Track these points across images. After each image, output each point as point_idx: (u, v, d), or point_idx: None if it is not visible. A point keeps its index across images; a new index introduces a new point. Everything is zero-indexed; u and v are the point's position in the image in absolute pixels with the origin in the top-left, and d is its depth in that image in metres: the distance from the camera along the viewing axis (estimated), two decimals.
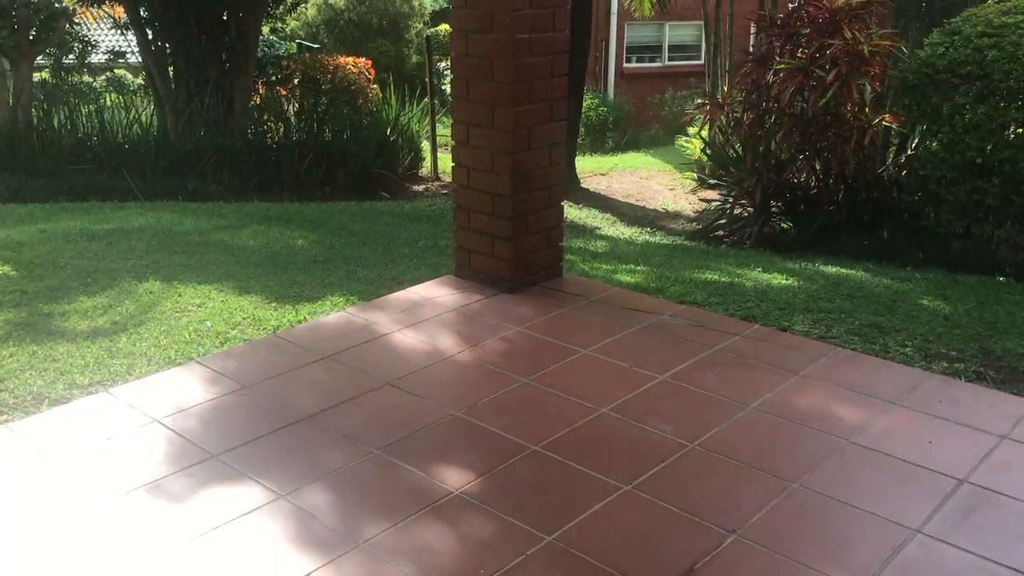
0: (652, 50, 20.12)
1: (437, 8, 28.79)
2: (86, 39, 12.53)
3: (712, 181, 8.84)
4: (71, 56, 12.50)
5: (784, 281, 5.73)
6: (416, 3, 24.14)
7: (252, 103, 12.19)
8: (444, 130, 14.93)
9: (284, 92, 13.79)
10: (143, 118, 10.48)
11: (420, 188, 12.15)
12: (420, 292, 4.37)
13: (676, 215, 9.76)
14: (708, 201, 8.87)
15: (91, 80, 14.74)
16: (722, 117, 8.12)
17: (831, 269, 6.46)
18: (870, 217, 7.87)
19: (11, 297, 5.06)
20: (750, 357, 3.61)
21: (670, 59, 20.21)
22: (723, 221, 8.32)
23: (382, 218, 8.11)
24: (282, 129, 11.52)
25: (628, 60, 20.03)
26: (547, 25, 4.06)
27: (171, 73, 11.26)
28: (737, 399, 3.25)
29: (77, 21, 11.23)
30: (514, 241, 4.21)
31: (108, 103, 16.91)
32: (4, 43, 8.08)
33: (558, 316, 4.02)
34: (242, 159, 9.89)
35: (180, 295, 5.15)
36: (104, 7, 11.07)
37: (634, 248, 7.35)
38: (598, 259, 6.56)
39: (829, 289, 5.54)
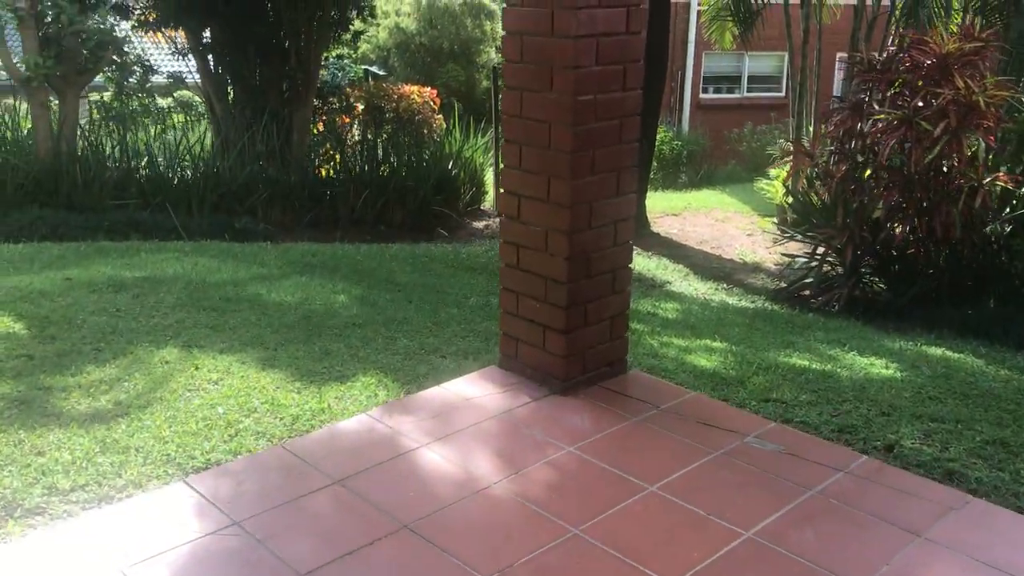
0: (730, 80, 19.32)
1: None
2: (147, 63, 12.28)
3: (796, 234, 8.07)
4: (132, 79, 12.25)
5: (884, 371, 4.96)
6: (488, 28, 23.74)
7: (314, 131, 11.81)
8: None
9: (347, 120, 13.41)
10: (198, 148, 10.12)
11: (480, 225, 11.59)
12: (458, 389, 3.74)
13: (755, 268, 8.99)
14: (792, 256, 8.09)
15: (155, 101, 14.55)
16: (810, 169, 7.36)
17: (936, 351, 5.65)
18: (973, 283, 7.03)
19: (15, 364, 4.58)
20: (857, 506, 2.89)
21: (749, 90, 19.37)
22: (809, 280, 7.54)
23: (433, 267, 7.52)
24: (338, 159, 11.10)
25: (705, 90, 19.26)
26: (616, 84, 3.41)
27: (230, 101, 10.91)
28: (846, 574, 2.54)
29: (133, 45, 10.98)
30: (570, 334, 3.56)
31: (174, 123, 16.79)
32: (50, 73, 7.73)
33: (620, 432, 3.35)
34: (295, 195, 9.43)
35: (197, 367, 4.61)
36: (165, 31, 10.78)
37: (709, 314, 6.62)
38: (668, 330, 5.86)
39: (938, 383, 4.75)
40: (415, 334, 5.34)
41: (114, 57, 8.29)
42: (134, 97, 12.62)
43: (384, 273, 7.04)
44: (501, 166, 3.76)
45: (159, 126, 14.90)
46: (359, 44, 17.26)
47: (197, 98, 15.09)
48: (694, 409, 3.57)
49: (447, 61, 23.29)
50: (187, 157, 9.89)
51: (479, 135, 13.17)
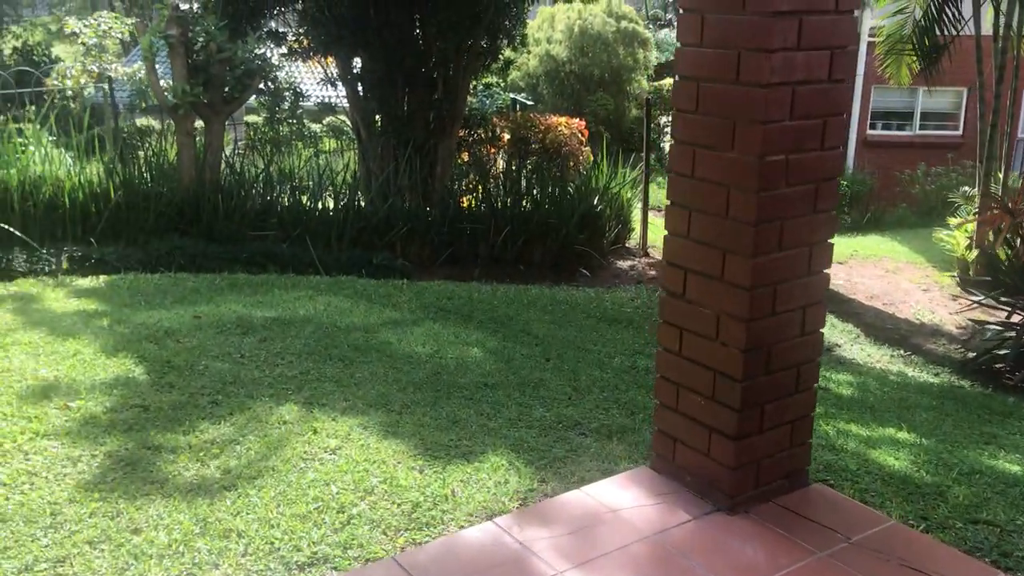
0: (901, 117, 17.99)
1: (663, 60, 27.73)
2: (298, 89, 12.32)
3: (987, 296, 7.11)
4: (284, 105, 12.32)
5: None
6: (641, 56, 23.17)
7: (458, 161, 11.53)
8: (659, 191, 13.77)
9: (492, 150, 13.10)
10: (343, 176, 9.97)
11: (625, 265, 10.98)
12: (603, 496, 3.16)
13: (935, 331, 8.02)
14: (980, 323, 7.13)
15: (306, 126, 14.68)
16: (1008, 225, 6.43)
17: None
18: None
19: (129, 415, 4.31)
20: None
21: (922, 128, 17.99)
22: (1004, 352, 6.59)
23: (575, 317, 6.98)
24: (480, 192, 10.75)
25: (872, 127, 18.01)
26: (813, 142, 2.79)
27: (376, 130, 10.74)
28: None
29: (286, 70, 10.98)
30: (741, 440, 2.94)
31: (326, 147, 16.96)
32: (197, 100, 7.66)
33: (802, 572, 2.70)
34: (434, 230, 9.10)
35: (316, 430, 4.22)
36: (316, 59, 10.72)
37: (889, 391, 5.80)
38: (844, 412, 5.11)
39: None
40: (552, 402, 4.81)
41: (261, 86, 8.17)
42: (285, 123, 12.70)
43: (521, 323, 6.55)
44: (667, 202, 3.17)
45: (310, 150, 15.05)
46: (508, 72, 17.00)
47: (348, 123, 15.18)
48: (893, 544, 2.87)
49: (597, 89, 22.87)
50: (331, 186, 9.74)
51: (627, 168, 12.61)
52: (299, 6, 9.85)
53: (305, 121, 16.01)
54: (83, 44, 20.06)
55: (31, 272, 6.88)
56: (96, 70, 18.09)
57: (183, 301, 6.31)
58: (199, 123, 8.24)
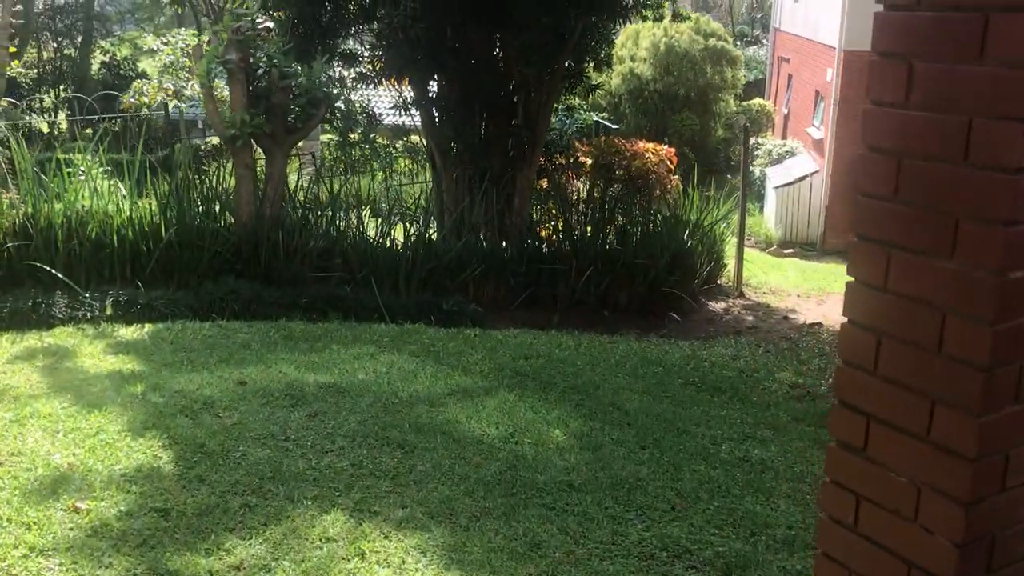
0: None
1: (751, 79, 26.57)
2: (372, 113, 11.70)
3: None
4: (357, 130, 11.72)
5: None
6: (729, 75, 22.15)
7: (537, 188, 10.75)
8: (750, 220, 12.70)
9: (572, 177, 12.29)
10: (414, 209, 9.28)
11: (719, 307, 10.04)
12: None
13: None
14: None
15: (381, 145, 14.08)
16: None
17: None
18: None
19: (145, 522, 3.61)
20: None
21: None
22: None
23: (669, 384, 6.09)
24: (560, 224, 9.96)
25: None
26: None
27: (452, 157, 10.04)
28: None
29: (358, 91, 10.37)
30: None
31: (400, 168, 16.36)
32: (257, 131, 7.02)
33: None
34: (510, 270, 8.32)
35: (364, 553, 3.46)
36: (390, 83, 10.08)
37: None
38: None
39: None
40: (652, 513, 3.95)
41: (327, 115, 7.50)
42: (358, 147, 12.11)
43: (609, 393, 5.70)
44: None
45: (384, 172, 14.44)
46: (593, 95, 16.18)
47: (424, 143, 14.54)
48: None
49: (681, 109, 21.93)
50: (399, 219, 9.06)
51: (719, 197, 11.69)
52: (374, 26, 9.21)
53: (379, 139, 15.44)
54: (161, 62, 19.96)
55: (71, 319, 6.30)
56: (172, 88, 17.86)
57: (230, 360, 5.63)
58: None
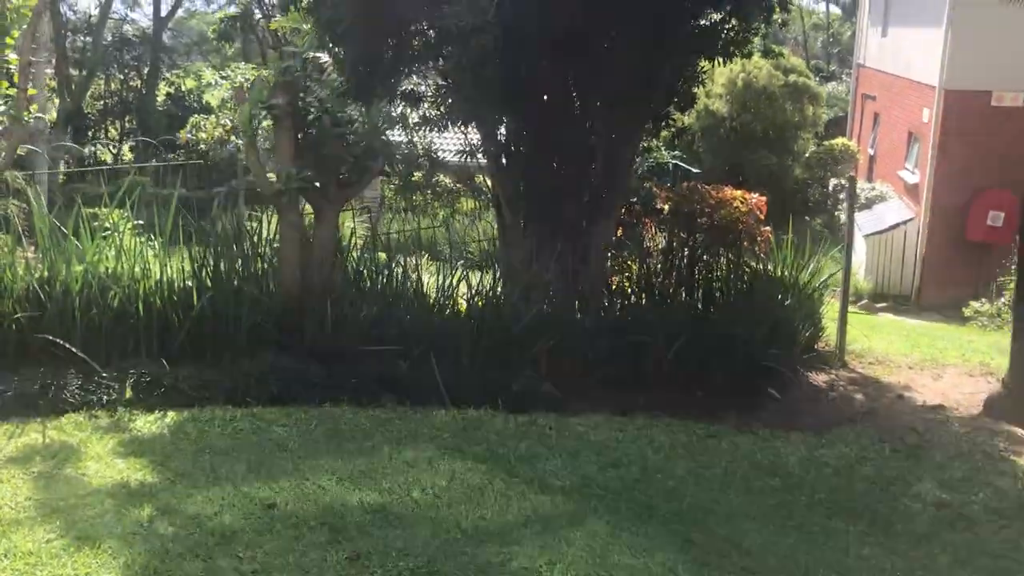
0: None
1: (830, 117, 25.29)
2: (435, 156, 10.80)
3: None
4: (419, 173, 10.83)
5: None
6: (810, 112, 20.95)
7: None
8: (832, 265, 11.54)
9: (650, 224, 11.22)
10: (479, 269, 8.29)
11: (821, 380, 8.82)
12: None
13: None
14: None
15: (443, 184, 13.19)
16: None
17: None
18: None
19: None
20: None
21: None
22: None
23: (793, 504, 4.97)
24: (637, 276, 8.93)
25: None
26: None
27: (521, 208, 9.07)
28: None
29: (416, 134, 9.49)
30: None
31: (464, 208, 15.44)
32: (305, 185, 6.13)
33: None
34: (588, 341, 7.29)
35: None
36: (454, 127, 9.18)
37: None
38: None
39: None
40: None
41: (385, 168, 6.58)
42: (419, 192, 11.22)
43: (721, 521, 4.60)
44: None
45: (448, 210, 13.53)
46: (679, 140, 15.16)
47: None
48: None
49: (758, 147, 20.77)
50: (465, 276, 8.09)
51: (805, 246, 10.51)
52: (440, 64, 8.32)
53: (443, 178, 14.51)
54: (219, 97, 19.45)
55: (84, 404, 5.43)
56: (231, 124, 17.23)
57: (260, 468, 4.68)
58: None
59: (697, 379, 7.74)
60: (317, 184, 6.29)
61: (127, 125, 38.06)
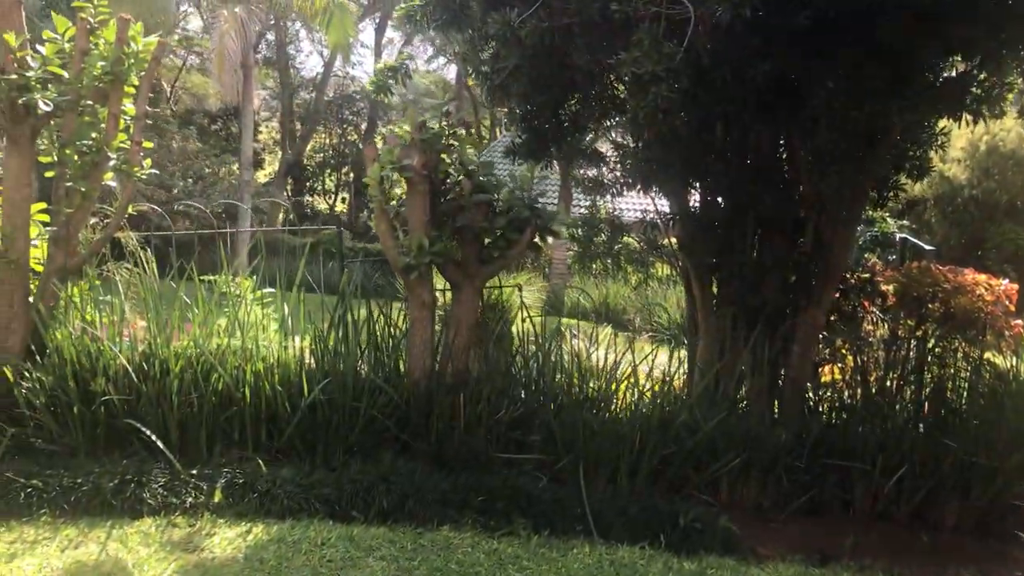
0: None
1: None
2: (617, 220, 9.64)
3: None
4: (599, 239, 9.70)
5: None
6: None
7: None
8: None
9: (868, 306, 9.52)
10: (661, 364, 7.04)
11: None
12: None
13: None
14: None
15: (625, 244, 11.94)
16: None
17: None
18: None
19: None
20: None
21: None
22: None
23: None
24: (855, 380, 7.34)
25: None
26: None
27: (712, 289, 7.77)
28: None
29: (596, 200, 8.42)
30: None
31: (656, 273, 14.10)
32: (440, 260, 5.18)
33: None
34: (782, 461, 5.87)
35: None
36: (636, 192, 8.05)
37: None
38: None
39: None
40: None
41: (536, 241, 5.51)
42: (599, 261, 10.06)
43: None
44: None
45: (638, 275, 12.27)
46: (909, 212, 13.32)
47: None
48: None
49: (1003, 219, 18.26)
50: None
51: None
52: (617, 118, 7.28)
53: (629, 239, 13.19)
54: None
55: (164, 507, 4.65)
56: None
57: None
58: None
59: (922, 514, 6.12)
60: (455, 258, 5.32)
61: (343, 177, 39.62)
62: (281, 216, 31.94)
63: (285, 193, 34.16)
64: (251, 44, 22.10)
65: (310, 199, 39.15)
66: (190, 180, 22.19)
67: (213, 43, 20.16)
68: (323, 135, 40.35)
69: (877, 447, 6.18)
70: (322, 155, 39.95)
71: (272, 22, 30.39)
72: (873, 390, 7.02)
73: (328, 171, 39.82)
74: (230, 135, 32.07)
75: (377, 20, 34.93)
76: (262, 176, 36.90)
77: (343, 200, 39.68)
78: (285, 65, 35.22)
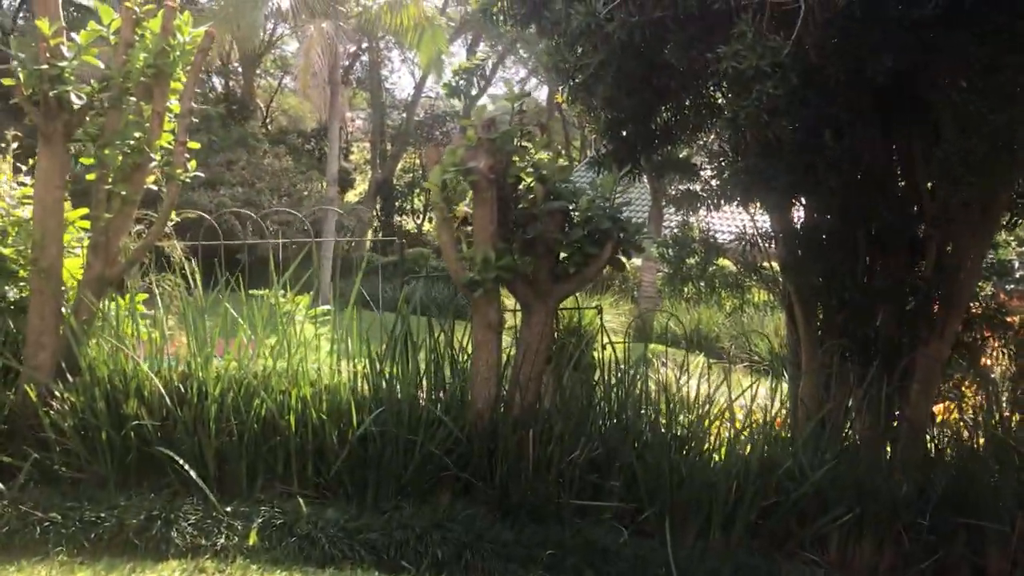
0: None
1: None
2: (711, 239, 8.91)
3: None
4: (693, 259, 8.97)
5: None
6: None
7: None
8: None
9: (993, 338, 8.53)
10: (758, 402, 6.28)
11: None
12: None
13: None
14: None
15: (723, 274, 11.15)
16: None
17: None
18: None
19: None
20: None
21: None
22: None
23: None
24: (981, 421, 6.47)
25: None
26: None
27: (818, 317, 6.99)
28: None
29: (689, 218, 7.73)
30: None
31: (754, 299, 13.23)
32: (508, 275, 4.58)
33: None
34: (904, 518, 5.07)
35: None
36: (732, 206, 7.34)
37: None
38: None
39: None
40: None
41: (619, 257, 4.86)
42: (692, 284, 9.32)
43: None
44: None
45: (733, 300, 11.48)
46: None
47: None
48: None
49: None
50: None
51: None
52: (712, 124, 6.60)
53: (725, 262, 12.37)
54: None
55: (192, 549, 4.14)
56: None
57: None
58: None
59: None
60: (525, 273, 4.71)
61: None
62: (369, 234, 31.98)
63: (374, 212, 34.25)
64: (339, 60, 22.06)
65: (399, 219, 39.21)
66: (281, 196, 22.25)
67: (299, 58, 20.18)
68: (413, 155, 40.49)
69: (1017, 503, 5.31)
70: (411, 175, 40.03)
71: (365, 44, 30.55)
72: (1004, 436, 6.13)
73: (416, 191, 39.88)
74: (323, 155, 32.35)
75: (468, 40, 34.84)
76: (352, 196, 37.10)
77: (430, 220, 39.63)
78: (377, 85, 35.40)
